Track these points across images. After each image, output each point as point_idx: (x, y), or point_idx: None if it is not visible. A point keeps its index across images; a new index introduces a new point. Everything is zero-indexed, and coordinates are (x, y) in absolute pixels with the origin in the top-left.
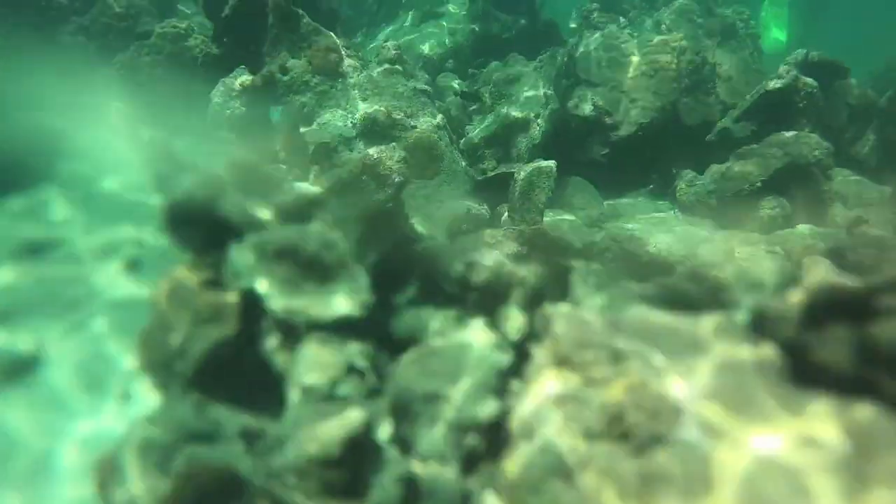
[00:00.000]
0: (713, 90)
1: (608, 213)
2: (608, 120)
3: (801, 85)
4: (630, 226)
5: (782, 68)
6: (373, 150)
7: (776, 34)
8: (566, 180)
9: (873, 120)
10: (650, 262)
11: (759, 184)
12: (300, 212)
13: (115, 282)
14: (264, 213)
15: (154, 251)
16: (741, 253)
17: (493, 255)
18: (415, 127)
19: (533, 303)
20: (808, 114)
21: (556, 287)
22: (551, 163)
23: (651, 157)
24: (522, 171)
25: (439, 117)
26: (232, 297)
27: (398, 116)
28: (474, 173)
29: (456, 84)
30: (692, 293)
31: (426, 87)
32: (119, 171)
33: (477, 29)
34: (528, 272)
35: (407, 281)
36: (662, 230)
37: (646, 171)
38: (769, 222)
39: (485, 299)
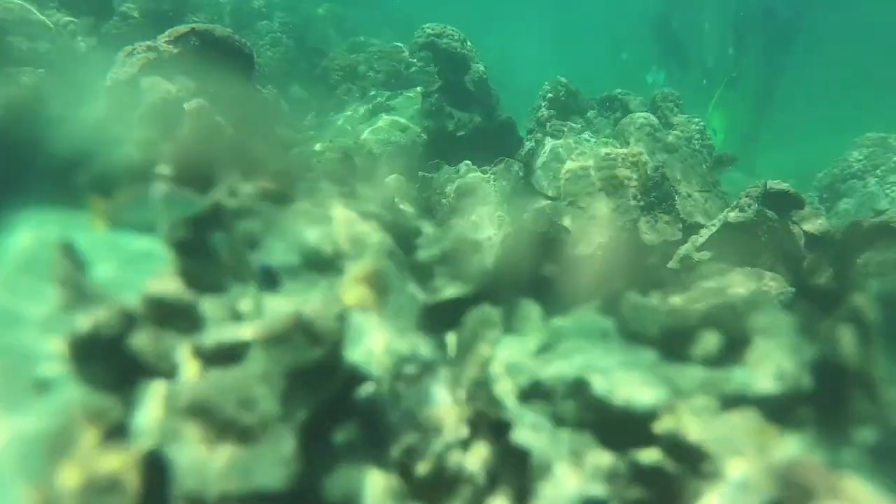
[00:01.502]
0: (673, 208)
1: (554, 340)
2: (566, 237)
3: (764, 218)
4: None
5: (744, 200)
6: (308, 308)
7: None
8: (515, 301)
9: (830, 249)
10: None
11: (697, 320)
12: (224, 358)
13: None
14: (183, 355)
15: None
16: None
17: (438, 442)
18: (361, 256)
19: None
20: (770, 247)
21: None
22: (496, 312)
23: (602, 274)
24: (463, 322)
25: (388, 242)
26: (133, 463)
27: (344, 246)
28: (425, 296)
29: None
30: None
31: (378, 209)
32: None
33: (430, 126)
34: (477, 465)
35: (343, 439)
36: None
37: (596, 289)
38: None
39: (428, 491)
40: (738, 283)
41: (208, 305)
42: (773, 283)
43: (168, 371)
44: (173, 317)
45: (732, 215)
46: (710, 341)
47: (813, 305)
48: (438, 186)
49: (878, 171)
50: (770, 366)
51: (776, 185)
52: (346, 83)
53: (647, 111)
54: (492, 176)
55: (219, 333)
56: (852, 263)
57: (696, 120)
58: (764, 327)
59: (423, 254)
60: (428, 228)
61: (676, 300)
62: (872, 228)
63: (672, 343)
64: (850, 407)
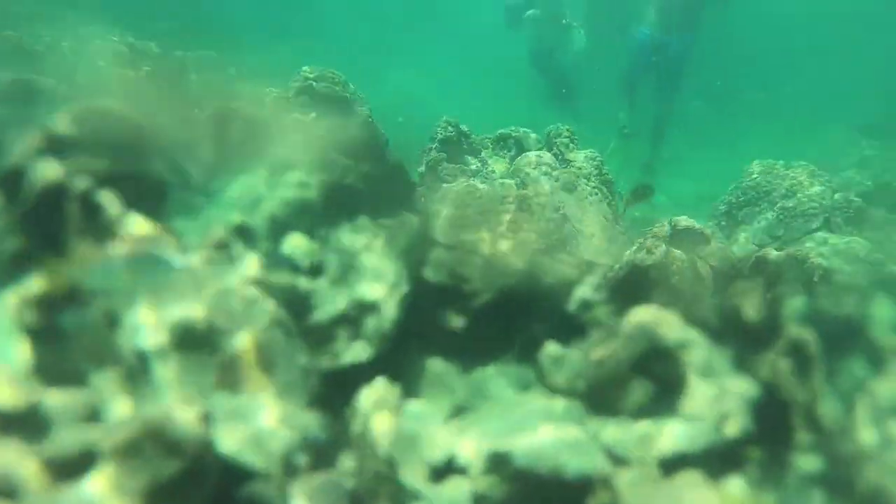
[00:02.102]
0: (575, 249)
1: (468, 401)
2: (466, 287)
3: (672, 259)
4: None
5: (650, 241)
6: (159, 412)
7: None
8: (419, 366)
9: (735, 283)
10: None
11: (625, 368)
12: (75, 467)
13: None
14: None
15: None
16: None
17: None
18: (241, 330)
19: None
20: (682, 287)
21: None
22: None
23: (513, 322)
24: (363, 390)
25: (280, 312)
26: None
27: (220, 322)
28: (320, 364)
29: (301, 251)
30: None
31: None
32: None
33: (325, 179)
34: None
35: None
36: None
37: (510, 338)
38: (636, 408)
39: None
40: (662, 326)
41: (57, 404)
42: (696, 324)
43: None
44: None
45: (640, 257)
46: (641, 391)
47: (742, 341)
48: (331, 243)
49: (771, 196)
50: (709, 411)
51: (682, 221)
52: None
53: (542, 148)
54: (384, 228)
55: (63, 443)
56: (763, 296)
57: (595, 155)
58: (698, 369)
59: (318, 316)
60: (321, 288)
61: (600, 349)
62: (774, 260)
63: (600, 396)
64: (795, 441)
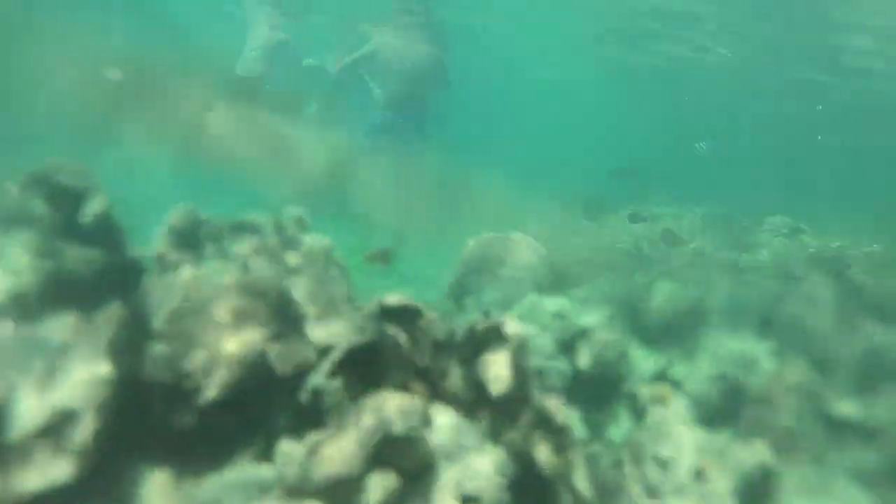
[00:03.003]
0: (308, 332)
1: None
2: (190, 382)
3: (385, 336)
4: None
5: (360, 321)
6: None
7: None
8: (136, 480)
9: (454, 353)
10: None
11: (358, 466)
12: None
13: None
14: None
15: None
16: None
17: None
18: None
19: None
20: (398, 363)
21: None
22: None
23: (249, 417)
24: None
25: None
26: None
27: None
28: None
29: None
30: None
31: None
32: None
33: (46, 267)
34: None
35: None
36: None
37: (246, 435)
38: None
39: None
40: (398, 410)
41: None
42: (443, 399)
43: None
44: None
45: (354, 339)
46: (384, 486)
47: (494, 412)
48: (38, 340)
49: (490, 266)
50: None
51: (391, 299)
52: None
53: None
54: (103, 320)
55: None
56: (510, 365)
57: (323, 238)
58: (444, 452)
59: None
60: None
61: (332, 445)
62: (484, 331)
63: (339, 497)
64: None
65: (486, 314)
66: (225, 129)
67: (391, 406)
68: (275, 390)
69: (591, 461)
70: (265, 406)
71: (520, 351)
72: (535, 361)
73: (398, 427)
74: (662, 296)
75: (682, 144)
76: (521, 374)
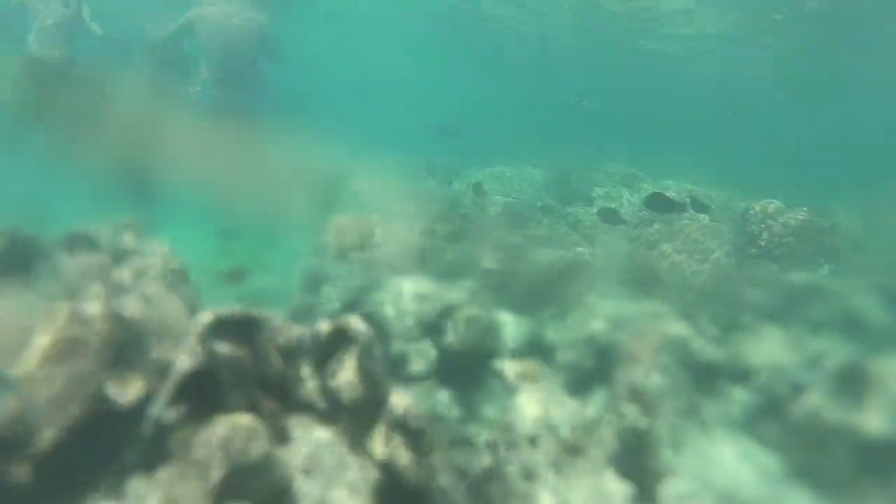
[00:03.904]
0: (147, 356)
1: None
2: (20, 429)
3: (216, 356)
4: None
5: (192, 343)
6: None
7: None
8: None
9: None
10: None
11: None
12: None
13: None
14: None
15: None
16: None
17: None
18: None
19: None
20: (240, 384)
21: None
22: None
23: (93, 457)
24: None
25: None
26: None
27: None
28: None
29: None
30: None
31: None
32: None
33: None
34: None
35: None
36: None
37: (94, 475)
38: None
39: None
40: (243, 438)
41: None
42: (297, 411)
43: None
44: None
45: (187, 363)
46: None
47: (352, 420)
48: None
49: (352, 249)
50: None
51: (224, 312)
52: None
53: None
54: None
55: None
56: (357, 370)
57: (163, 245)
58: (302, 471)
59: None
60: None
61: (178, 484)
62: (330, 334)
63: None
64: None
65: (331, 315)
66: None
67: (235, 432)
68: (119, 422)
69: (464, 447)
70: (112, 440)
71: (366, 352)
72: (397, 347)
73: (245, 455)
74: (529, 262)
75: (560, 105)
76: (370, 376)
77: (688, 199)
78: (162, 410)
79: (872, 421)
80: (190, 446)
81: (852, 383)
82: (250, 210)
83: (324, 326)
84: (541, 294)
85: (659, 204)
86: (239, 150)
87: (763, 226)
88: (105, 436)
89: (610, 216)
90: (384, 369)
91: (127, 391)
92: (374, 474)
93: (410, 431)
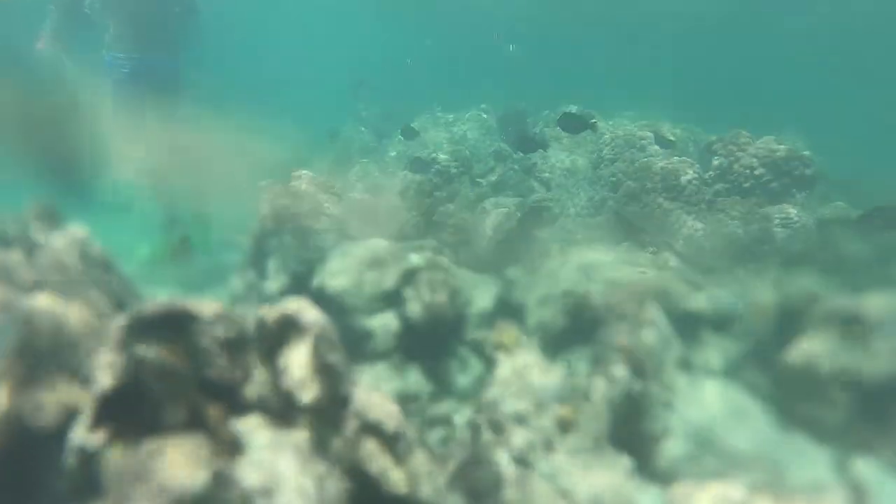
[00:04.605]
0: (76, 372)
1: None
2: None
3: (143, 362)
4: None
5: (110, 349)
6: None
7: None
8: None
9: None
10: None
11: None
12: None
13: None
14: None
15: None
16: None
17: None
18: None
19: None
20: (176, 391)
21: None
22: None
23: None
24: None
25: None
26: None
27: None
28: None
29: None
30: None
31: None
32: None
33: None
34: None
35: None
36: None
37: None
38: None
39: None
40: (179, 466)
41: None
42: (240, 416)
43: None
44: None
45: (107, 381)
46: None
47: (315, 422)
48: None
49: (297, 218)
50: None
51: (147, 310)
52: None
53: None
54: None
55: None
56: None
57: (79, 234)
58: (259, 491)
59: None
60: None
61: None
62: (276, 323)
63: None
64: None
65: (280, 292)
66: None
67: (172, 463)
68: (43, 449)
69: (441, 427)
70: (37, 467)
71: (321, 344)
72: (355, 321)
73: (187, 490)
74: (491, 216)
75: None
76: (328, 372)
77: (594, 121)
78: (83, 437)
79: (870, 363)
80: (123, 482)
81: (846, 324)
82: (186, 192)
83: (269, 314)
84: (504, 248)
85: (569, 124)
86: (165, 128)
87: (732, 158)
88: (29, 463)
89: (570, 123)
90: (344, 359)
91: (45, 414)
92: (344, 485)
93: (383, 432)
